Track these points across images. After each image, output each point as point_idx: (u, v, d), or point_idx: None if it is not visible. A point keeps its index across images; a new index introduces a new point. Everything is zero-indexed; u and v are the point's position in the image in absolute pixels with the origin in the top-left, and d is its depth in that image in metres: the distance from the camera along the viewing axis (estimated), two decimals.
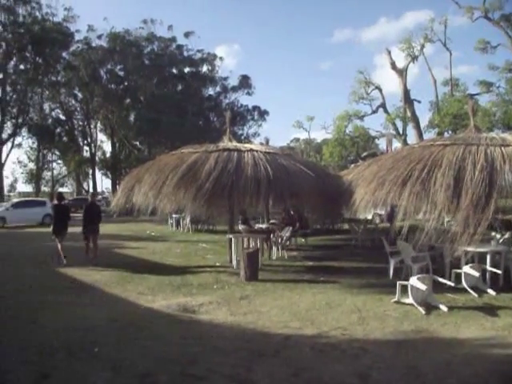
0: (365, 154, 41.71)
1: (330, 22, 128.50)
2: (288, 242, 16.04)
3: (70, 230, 14.62)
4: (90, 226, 14.26)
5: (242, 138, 54.27)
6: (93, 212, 14.65)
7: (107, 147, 65.25)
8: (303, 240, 18.13)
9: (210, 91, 62.47)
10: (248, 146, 14.49)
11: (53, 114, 61.22)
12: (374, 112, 45.44)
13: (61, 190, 70.03)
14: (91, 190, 63.23)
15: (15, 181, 67.18)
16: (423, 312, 7.87)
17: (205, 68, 60.91)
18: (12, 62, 52.98)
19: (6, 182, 60.16)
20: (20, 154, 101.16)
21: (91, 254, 14.25)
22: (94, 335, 6.78)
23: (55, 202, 17.20)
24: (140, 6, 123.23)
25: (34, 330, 7.18)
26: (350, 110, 44.50)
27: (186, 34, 58.29)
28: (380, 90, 45.59)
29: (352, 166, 23.76)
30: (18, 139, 58.04)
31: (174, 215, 26.07)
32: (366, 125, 45.89)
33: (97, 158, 63.39)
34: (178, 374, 5.32)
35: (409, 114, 42.07)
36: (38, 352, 6.09)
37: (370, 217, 23.57)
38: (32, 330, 7.18)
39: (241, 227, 16.45)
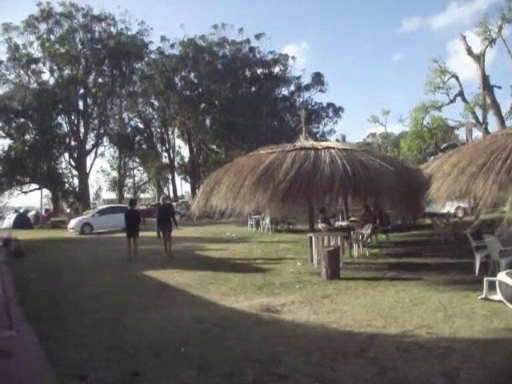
0: (444, 145, 40.29)
1: (397, 12, 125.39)
2: (369, 239, 15.83)
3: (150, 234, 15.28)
4: (164, 225, 16.48)
5: (318, 135, 53.90)
6: (165, 213, 16.82)
7: (185, 152, 66.65)
8: (384, 237, 17.82)
9: (284, 91, 62.50)
10: (325, 143, 14.42)
11: (132, 123, 63.75)
12: (451, 101, 43.62)
13: (142, 195, 72.37)
14: (172, 194, 64.89)
15: (99, 189, 69.83)
16: None
17: (277, 68, 60.99)
18: (91, 77, 55.44)
19: (92, 191, 62.74)
20: (103, 163, 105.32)
21: (168, 248, 16.50)
22: (180, 335, 6.96)
23: (128, 207, 18.88)
24: (210, 12, 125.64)
25: (123, 330, 7.45)
26: (427, 101, 42.94)
27: (257, 36, 58.57)
28: (457, 78, 43.69)
29: (431, 158, 23.13)
30: (101, 149, 60.87)
31: (253, 216, 26.27)
32: (443, 115, 43.99)
33: (176, 164, 64.87)
34: (262, 373, 5.36)
35: (489, 101, 40.17)
36: (127, 351, 6.34)
37: (452, 210, 22.91)
38: (121, 330, 7.46)
39: (321, 226, 16.38)
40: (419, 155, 43.70)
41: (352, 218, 18.92)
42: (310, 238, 13.76)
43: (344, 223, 17.50)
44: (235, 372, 5.42)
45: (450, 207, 17.00)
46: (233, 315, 8.20)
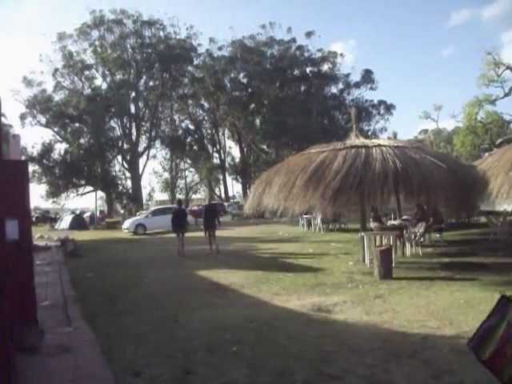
0: (500, 140, 39.14)
1: (446, 5, 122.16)
2: (422, 238, 15.55)
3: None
4: (208, 223, 17.98)
5: (369, 133, 53.28)
6: (211, 212, 18.41)
7: (236, 152, 67.25)
8: (438, 235, 17.48)
9: (333, 89, 62.11)
10: (375, 141, 14.24)
11: (182, 124, 64.92)
12: (506, 95, 42.35)
13: (194, 196, 73.33)
14: (223, 195, 65.56)
15: (152, 190, 71.04)
16: None
17: (326, 66, 60.67)
18: (142, 81, 56.87)
19: (144, 192, 64.02)
20: (155, 164, 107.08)
21: (213, 246, 17.76)
22: (232, 334, 7.00)
23: (176, 206, 20.31)
24: (257, 12, 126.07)
25: (177, 328, 7.57)
26: (480, 95, 41.98)
27: (308, 34, 58.44)
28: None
29: (486, 154, 22.53)
30: (153, 151, 62.34)
31: (304, 216, 26.20)
32: (498, 109, 42.98)
33: (226, 164, 65.42)
34: (313, 374, 5.35)
35: None
36: (181, 349, 6.43)
37: (510, 208, 22.23)
38: (175, 328, 7.57)
39: (372, 224, 16.21)
40: (473, 151, 42.67)
41: (404, 217, 18.61)
42: (362, 237, 13.62)
43: (396, 222, 17.20)
44: (286, 371, 5.43)
45: (506, 205, 16.45)
46: (284, 315, 8.20)
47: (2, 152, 4.14)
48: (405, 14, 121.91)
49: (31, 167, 47.29)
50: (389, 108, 59.82)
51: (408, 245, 14.85)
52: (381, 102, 59.64)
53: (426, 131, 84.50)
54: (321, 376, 5.28)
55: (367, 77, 59.04)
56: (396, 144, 13.88)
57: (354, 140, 14.33)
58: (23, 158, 38.90)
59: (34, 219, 44.05)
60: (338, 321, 7.63)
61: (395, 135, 64.00)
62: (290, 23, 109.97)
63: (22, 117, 53.15)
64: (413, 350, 5.93)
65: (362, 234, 13.70)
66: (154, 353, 6.36)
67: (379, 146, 13.17)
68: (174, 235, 18.62)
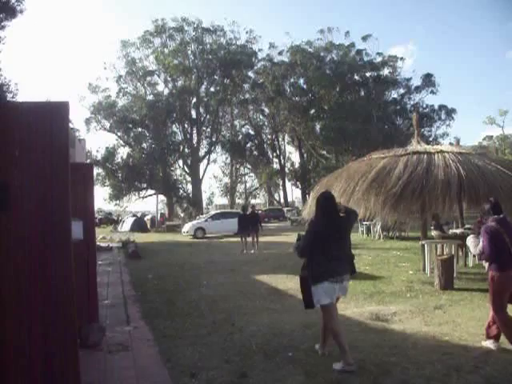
0: None
1: (509, 4, 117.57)
2: None
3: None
4: (252, 227, 21.18)
5: (430, 139, 52.10)
6: (253, 219, 21.47)
7: (295, 158, 67.20)
8: None
9: (394, 94, 61.04)
10: (438, 147, 13.93)
11: (243, 130, 65.31)
12: None
13: (253, 201, 73.90)
14: (282, 200, 65.70)
15: (212, 194, 71.89)
16: None
17: (386, 71, 59.76)
18: (203, 86, 57.69)
19: (204, 196, 64.82)
20: (215, 169, 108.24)
21: (256, 247, 20.90)
22: (289, 340, 7.00)
23: (241, 212, 23.33)
24: (315, 16, 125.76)
25: (234, 332, 7.61)
26: None
27: (364, 38, 57.70)
28: None
29: None
30: (213, 156, 63.10)
31: (364, 222, 25.92)
32: None
33: (286, 170, 65.42)
34: None
35: None
36: (237, 353, 6.47)
37: None
38: (232, 332, 7.61)
39: (434, 233, 15.87)
40: None
41: (467, 226, 18.10)
42: (423, 245, 13.37)
43: (458, 231, 16.76)
44: (342, 380, 5.36)
45: None
46: (342, 322, 8.05)
47: (69, 156, 4.31)
48: (466, 15, 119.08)
49: (95, 170, 48.64)
50: (449, 113, 58.20)
51: (470, 255, 14.45)
52: (441, 107, 58.17)
53: (490, 137, 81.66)
54: None
55: (428, 80, 57.71)
56: (459, 150, 13.55)
57: (416, 146, 14.07)
58: (88, 161, 40.22)
59: (97, 221, 45.29)
60: (397, 330, 7.49)
61: (458, 141, 62.32)
62: (346, 28, 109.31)
63: (87, 122, 55.03)
64: (474, 365, 5.72)
65: (423, 242, 13.44)
66: (210, 355, 6.42)
67: (442, 152, 12.87)
68: (232, 239, 18.82)
